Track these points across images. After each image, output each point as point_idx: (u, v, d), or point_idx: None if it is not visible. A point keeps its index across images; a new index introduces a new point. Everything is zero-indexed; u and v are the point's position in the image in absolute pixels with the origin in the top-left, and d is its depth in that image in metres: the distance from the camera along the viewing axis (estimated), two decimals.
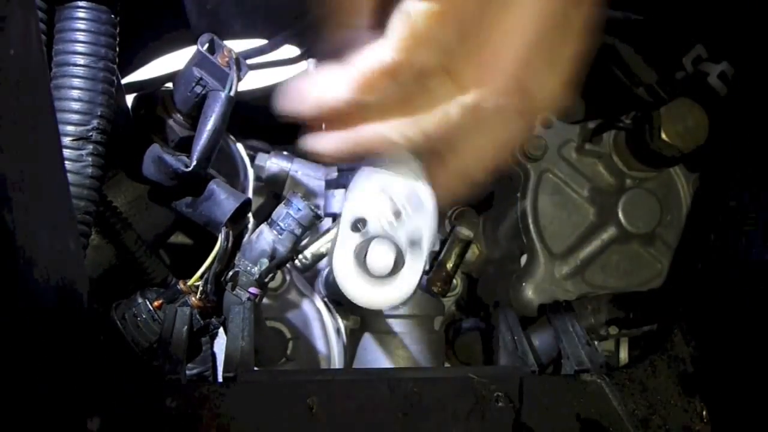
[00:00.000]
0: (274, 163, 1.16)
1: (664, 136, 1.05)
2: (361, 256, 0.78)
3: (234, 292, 0.98)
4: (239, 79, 1.01)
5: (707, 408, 0.72)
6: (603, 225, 1.12)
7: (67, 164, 0.83)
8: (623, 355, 1.11)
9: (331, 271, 0.80)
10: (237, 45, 1.03)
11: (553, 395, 0.74)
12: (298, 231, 0.99)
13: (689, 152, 1.06)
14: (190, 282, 0.98)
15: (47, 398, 0.61)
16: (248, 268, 0.98)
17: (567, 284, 1.11)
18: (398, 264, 0.78)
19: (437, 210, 0.81)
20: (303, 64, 1.21)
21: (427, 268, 0.80)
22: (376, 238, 0.79)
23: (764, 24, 0.98)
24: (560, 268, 1.09)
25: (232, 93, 0.97)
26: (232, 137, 1.14)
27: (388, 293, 0.79)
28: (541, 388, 0.75)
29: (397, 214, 0.80)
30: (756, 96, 0.79)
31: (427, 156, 0.77)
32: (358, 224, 0.80)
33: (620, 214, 1.12)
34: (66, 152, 0.83)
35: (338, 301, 1.07)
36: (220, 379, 0.79)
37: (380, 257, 0.77)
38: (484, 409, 0.72)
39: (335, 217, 1.04)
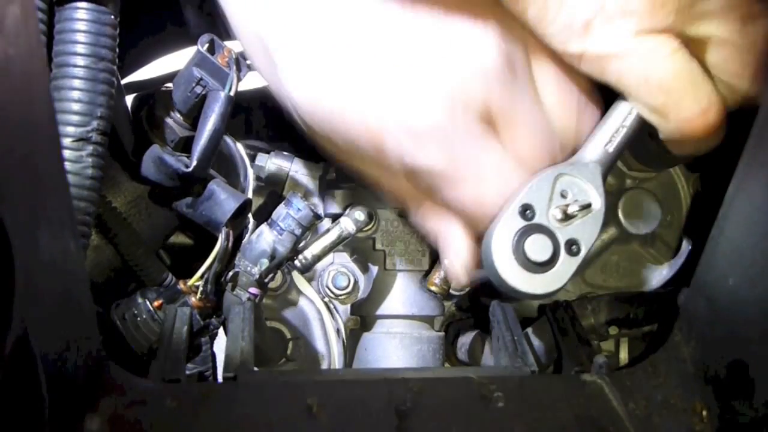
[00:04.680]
0: (274, 163, 1.16)
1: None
2: (520, 241, 0.80)
3: (234, 293, 0.98)
4: (239, 79, 1.01)
5: (707, 408, 0.72)
6: (603, 225, 1.12)
7: (67, 165, 0.83)
8: (623, 355, 1.11)
9: (484, 244, 0.83)
10: (237, 45, 1.03)
11: (553, 395, 0.74)
12: (298, 231, 0.99)
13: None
14: (190, 282, 0.98)
15: (46, 397, 0.61)
16: (248, 268, 0.98)
17: (567, 284, 1.11)
18: (553, 259, 0.81)
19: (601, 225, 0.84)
20: None
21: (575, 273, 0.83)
22: (541, 228, 0.81)
23: None
24: None
25: (232, 93, 0.97)
26: (232, 137, 1.14)
27: (534, 283, 0.81)
28: (541, 389, 0.75)
29: (567, 217, 0.82)
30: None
31: None
32: (527, 211, 0.81)
33: (620, 215, 1.12)
34: (66, 153, 0.83)
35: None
36: (220, 379, 0.79)
37: (539, 246, 0.80)
38: (484, 409, 0.72)
39: (335, 218, 1.04)
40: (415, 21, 0.78)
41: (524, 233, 0.80)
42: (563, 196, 0.83)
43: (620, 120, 0.84)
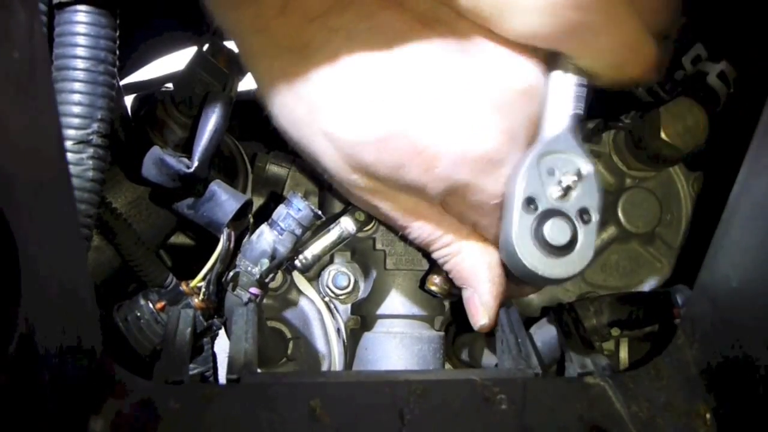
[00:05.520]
0: (274, 164, 1.16)
1: (663, 135, 1.05)
2: (538, 233, 0.82)
3: (235, 293, 0.98)
4: (239, 80, 1.01)
5: (710, 411, 0.72)
6: (603, 224, 1.13)
7: (69, 167, 0.82)
8: (623, 354, 1.11)
9: (506, 252, 0.86)
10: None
11: (557, 397, 0.74)
12: (298, 231, 0.99)
13: (689, 152, 1.07)
14: (192, 283, 0.98)
15: (50, 399, 0.61)
16: (249, 268, 0.98)
17: (567, 284, 1.11)
18: (574, 236, 0.83)
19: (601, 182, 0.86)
20: None
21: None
22: (551, 213, 0.83)
23: (764, 23, 0.98)
24: None
25: (232, 93, 0.97)
26: (232, 137, 1.14)
27: (568, 265, 0.83)
28: (544, 391, 0.75)
29: (566, 190, 0.83)
30: (756, 95, 0.79)
31: None
32: (531, 204, 0.83)
33: (620, 214, 1.12)
34: (67, 156, 0.82)
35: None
36: (222, 380, 0.80)
37: (557, 230, 0.82)
38: (487, 411, 0.72)
39: (335, 217, 1.04)
40: (465, 48, 0.81)
41: (539, 225, 0.82)
42: (551, 174, 0.83)
43: (570, 81, 0.84)
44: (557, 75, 0.84)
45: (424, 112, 0.80)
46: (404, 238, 1.01)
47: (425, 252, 1.06)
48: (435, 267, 1.04)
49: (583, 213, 0.83)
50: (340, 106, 0.81)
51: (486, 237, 0.94)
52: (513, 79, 0.82)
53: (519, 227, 0.82)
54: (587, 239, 0.83)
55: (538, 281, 0.85)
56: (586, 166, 0.84)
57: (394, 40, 0.79)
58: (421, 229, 0.94)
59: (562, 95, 0.84)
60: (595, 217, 0.84)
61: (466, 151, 0.82)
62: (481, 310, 0.96)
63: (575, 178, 0.83)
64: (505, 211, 0.85)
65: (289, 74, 0.82)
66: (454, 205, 0.90)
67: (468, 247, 0.95)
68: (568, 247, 0.82)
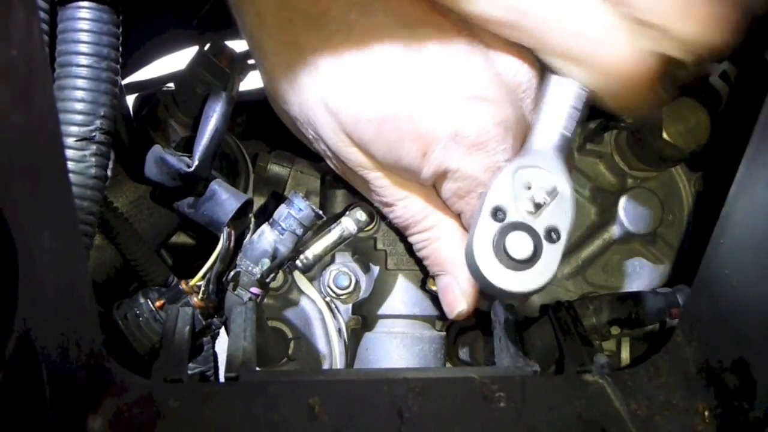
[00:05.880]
0: (275, 163, 1.16)
1: (665, 135, 1.05)
2: (500, 243, 0.80)
3: (235, 292, 0.98)
4: (240, 80, 1.01)
5: (709, 408, 0.72)
6: (604, 225, 1.12)
7: (70, 165, 0.83)
8: (624, 354, 1.11)
9: (467, 257, 0.83)
10: (238, 45, 1.03)
11: (555, 395, 0.74)
12: (299, 231, 0.99)
13: (691, 152, 1.06)
14: (192, 282, 0.98)
15: (48, 397, 0.61)
16: (250, 268, 0.98)
17: (568, 284, 1.11)
18: (536, 252, 0.81)
19: (575, 205, 0.84)
20: None
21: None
22: (516, 225, 0.81)
23: (765, 22, 0.98)
24: (561, 268, 1.09)
25: (233, 93, 0.97)
26: (233, 137, 1.14)
27: (525, 280, 0.80)
28: (542, 389, 0.75)
29: (537, 206, 0.82)
30: (757, 95, 0.79)
31: None
32: (498, 213, 0.81)
33: (621, 214, 1.12)
34: (69, 153, 0.82)
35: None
36: (222, 379, 0.80)
37: (519, 243, 0.80)
38: (486, 409, 0.72)
39: (337, 217, 1.04)
40: (472, 40, 0.82)
41: (502, 235, 0.80)
42: (528, 188, 0.83)
43: (567, 101, 0.83)
44: (556, 92, 0.83)
45: (428, 96, 0.81)
46: (383, 217, 1.02)
47: None
48: None
49: (552, 231, 0.81)
50: (347, 80, 0.82)
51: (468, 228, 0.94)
52: (513, 76, 0.83)
53: (481, 234, 0.81)
54: (551, 258, 0.81)
55: (495, 292, 0.82)
56: (564, 187, 0.83)
57: (408, 22, 0.80)
58: (405, 209, 0.95)
59: (557, 113, 0.83)
60: (563, 237, 0.82)
61: (459, 135, 0.82)
62: (459, 296, 0.96)
63: (549, 195, 0.82)
64: (473, 216, 0.84)
65: (301, 38, 0.82)
66: (444, 190, 0.90)
67: (449, 234, 0.95)
68: (529, 262, 0.80)
